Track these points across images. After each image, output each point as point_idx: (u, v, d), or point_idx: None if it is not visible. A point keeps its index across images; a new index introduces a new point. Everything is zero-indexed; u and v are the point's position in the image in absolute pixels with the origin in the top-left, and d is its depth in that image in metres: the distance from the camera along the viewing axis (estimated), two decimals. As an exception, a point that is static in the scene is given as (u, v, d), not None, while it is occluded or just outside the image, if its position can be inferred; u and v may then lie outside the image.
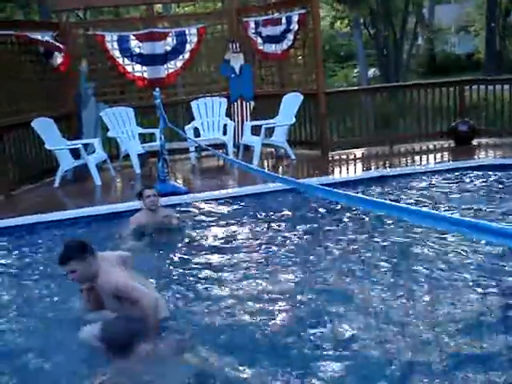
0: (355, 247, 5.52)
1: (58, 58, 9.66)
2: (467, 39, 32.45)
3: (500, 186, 7.33)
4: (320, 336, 3.85)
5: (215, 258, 5.49)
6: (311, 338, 3.83)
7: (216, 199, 7.45)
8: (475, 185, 7.49)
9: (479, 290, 4.32)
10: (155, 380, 3.44)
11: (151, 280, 4.55)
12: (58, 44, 9.64)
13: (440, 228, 2.28)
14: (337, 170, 9.13)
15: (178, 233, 6.32)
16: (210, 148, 7.25)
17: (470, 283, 4.47)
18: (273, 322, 4.10)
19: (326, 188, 2.37)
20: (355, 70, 28.42)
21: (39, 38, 9.39)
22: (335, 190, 2.29)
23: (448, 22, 32.23)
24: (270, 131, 9.76)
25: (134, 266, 4.26)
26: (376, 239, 5.66)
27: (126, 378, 3.44)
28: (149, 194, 6.16)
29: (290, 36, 10.12)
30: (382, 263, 5.02)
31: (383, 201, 2.00)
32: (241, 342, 3.87)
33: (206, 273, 5.09)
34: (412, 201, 6.87)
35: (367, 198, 2.16)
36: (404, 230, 5.68)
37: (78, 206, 7.57)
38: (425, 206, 6.59)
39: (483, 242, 4.95)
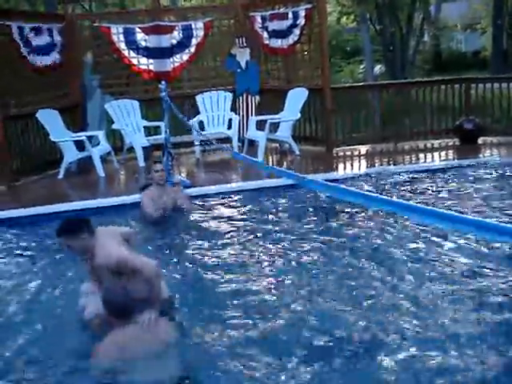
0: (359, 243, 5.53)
1: (53, 55, 9.65)
2: (474, 37, 32.34)
3: (506, 184, 7.31)
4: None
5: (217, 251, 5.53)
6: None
7: (220, 193, 7.46)
8: (480, 182, 7.47)
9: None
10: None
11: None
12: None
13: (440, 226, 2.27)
14: (341, 166, 9.11)
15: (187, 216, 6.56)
16: (214, 142, 7.26)
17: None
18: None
19: (331, 184, 2.37)
20: (361, 66, 28.34)
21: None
22: (341, 186, 2.29)
23: (454, 19, 32.13)
24: (275, 126, 9.73)
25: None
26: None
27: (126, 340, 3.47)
28: (157, 169, 6.59)
29: (297, 31, 10.08)
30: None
31: (384, 197, 2.00)
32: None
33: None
34: (415, 197, 6.88)
35: (368, 194, 2.16)
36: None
37: (81, 198, 7.58)
38: (430, 204, 6.59)
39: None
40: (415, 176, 7.92)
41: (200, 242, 5.82)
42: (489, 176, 7.63)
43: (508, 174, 7.66)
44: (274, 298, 4.44)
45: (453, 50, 31.55)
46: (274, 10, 10.55)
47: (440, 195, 7.03)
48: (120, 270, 3.80)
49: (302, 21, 9.96)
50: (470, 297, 4.21)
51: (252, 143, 10.01)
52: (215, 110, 10.40)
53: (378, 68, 26.83)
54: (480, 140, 9.83)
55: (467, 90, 10.34)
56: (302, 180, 3.37)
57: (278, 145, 10.27)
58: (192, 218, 6.71)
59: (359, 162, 9.43)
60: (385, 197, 2.06)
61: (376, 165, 8.93)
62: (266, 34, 10.53)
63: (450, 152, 9.64)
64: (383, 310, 4.12)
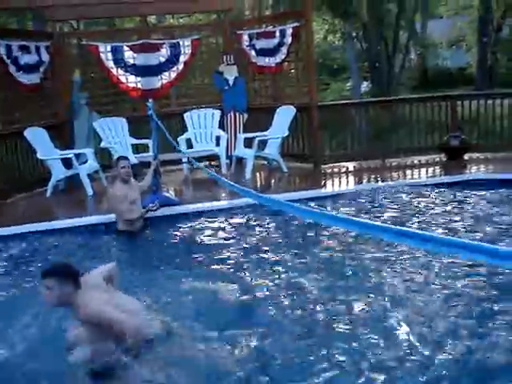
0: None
1: (41, 73, 9.68)
2: (459, 54, 32.69)
3: (493, 199, 7.36)
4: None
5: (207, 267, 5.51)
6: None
7: (208, 211, 7.46)
8: (466, 198, 7.51)
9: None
10: None
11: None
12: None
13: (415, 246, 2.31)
14: (329, 182, 9.16)
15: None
16: (193, 161, 7.32)
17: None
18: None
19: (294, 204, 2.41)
20: (348, 84, 28.55)
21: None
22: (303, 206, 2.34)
23: (440, 36, 32.49)
24: (263, 144, 9.77)
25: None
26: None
27: None
28: (124, 165, 6.69)
29: (284, 49, 10.18)
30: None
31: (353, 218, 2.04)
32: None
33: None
34: (402, 214, 6.93)
35: (337, 215, 2.19)
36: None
37: (69, 216, 7.57)
38: (416, 220, 6.64)
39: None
40: (402, 192, 7.96)
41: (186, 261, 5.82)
42: (475, 193, 7.67)
43: (492, 191, 7.70)
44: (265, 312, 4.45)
45: (439, 66, 31.85)
46: (262, 28, 10.65)
47: (427, 212, 7.06)
48: (104, 329, 3.72)
49: (289, 39, 10.06)
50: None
51: (240, 160, 10.05)
52: (203, 128, 10.43)
53: (364, 85, 27.04)
54: (466, 156, 9.91)
55: (453, 106, 10.44)
56: (266, 199, 3.39)
57: (265, 162, 10.30)
58: (178, 236, 6.73)
59: (347, 178, 9.48)
60: (347, 216, 2.10)
61: (364, 181, 8.98)
62: (253, 53, 10.61)
63: (437, 168, 9.70)
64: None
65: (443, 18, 35.05)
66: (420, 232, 1.80)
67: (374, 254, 5.53)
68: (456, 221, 6.56)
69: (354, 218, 2.21)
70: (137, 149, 10.30)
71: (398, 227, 1.86)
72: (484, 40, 26.20)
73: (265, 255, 5.85)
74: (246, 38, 10.70)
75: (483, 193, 7.57)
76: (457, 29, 32.20)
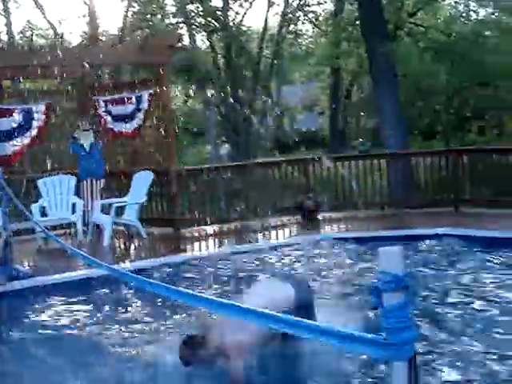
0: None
1: None
2: (313, 118, 34.43)
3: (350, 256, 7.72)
4: None
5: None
6: None
7: (63, 282, 7.17)
8: (321, 257, 7.82)
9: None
10: None
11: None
12: None
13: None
14: (189, 247, 9.18)
15: None
16: (44, 230, 7.06)
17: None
18: None
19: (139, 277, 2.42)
20: (208, 147, 29.05)
21: None
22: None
23: (295, 101, 34.11)
24: (122, 209, 9.65)
25: None
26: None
27: None
28: None
29: (141, 115, 10.24)
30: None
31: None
32: None
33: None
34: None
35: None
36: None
37: None
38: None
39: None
40: (260, 253, 8.13)
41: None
42: (325, 251, 8.01)
43: (336, 249, 8.08)
44: None
45: (295, 130, 33.32)
46: (118, 94, 10.67)
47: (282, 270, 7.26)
48: None
49: (145, 105, 10.15)
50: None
51: (98, 227, 9.83)
52: (58, 194, 10.11)
53: (224, 148, 27.67)
54: (320, 216, 10.37)
55: (306, 169, 10.95)
56: (118, 272, 3.36)
57: (124, 228, 10.14)
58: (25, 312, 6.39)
59: (206, 242, 9.55)
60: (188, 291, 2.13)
61: (222, 244, 9.10)
62: (109, 118, 10.57)
63: (293, 228, 10.04)
64: None
65: (296, 84, 37.00)
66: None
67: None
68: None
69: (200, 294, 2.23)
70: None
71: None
72: (333, 107, 27.89)
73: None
74: (101, 104, 10.66)
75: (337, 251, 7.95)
76: (310, 94, 33.97)
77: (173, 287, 2.39)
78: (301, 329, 1.57)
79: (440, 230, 8.18)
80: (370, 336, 1.38)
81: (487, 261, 7.01)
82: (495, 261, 7.00)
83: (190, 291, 2.14)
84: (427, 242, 7.94)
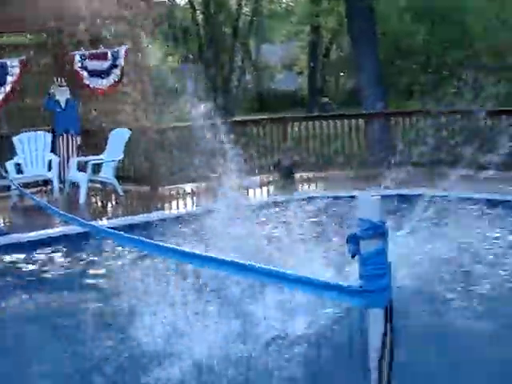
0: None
1: None
2: (292, 77, 34.20)
3: (323, 216, 7.74)
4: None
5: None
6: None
7: (39, 240, 7.13)
8: (297, 217, 7.84)
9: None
10: None
11: None
12: None
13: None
14: (167, 205, 9.15)
15: None
16: (18, 187, 6.97)
17: None
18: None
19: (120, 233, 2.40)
20: (187, 106, 28.77)
21: None
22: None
23: (274, 60, 33.83)
24: (98, 167, 9.56)
25: None
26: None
27: None
28: None
29: (117, 71, 10.07)
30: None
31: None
32: None
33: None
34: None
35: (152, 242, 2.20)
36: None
37: None
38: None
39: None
40: (238, 212, 8.12)
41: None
42: (304, 210, 8.03)
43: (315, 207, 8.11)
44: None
45: (273, 89, 33.10)
46: (94, 49, 10.46)
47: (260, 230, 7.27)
48: None
49: (121, 61, 9.98)
50: None
51: (74, 184, 9.74)
52: (34, 151, 9.98)
53: (202, 107, 27.40)
54: (297, 175, 10.39)
55: (284, 128, 10.92)
56: (95, 228, 3.34)
57: (101, 185, 10.07)
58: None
59: (184, 200, 9.53)
60: (172, 246, 2.12)
61: (202, 203, 9.08)
62: (85, 74, 10.38)
63: (271, 187, 10.05)
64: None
65: (277, 43, 36.60)
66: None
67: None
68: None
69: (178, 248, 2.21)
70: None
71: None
72: (312, 65, 27.70)
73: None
74: (77, 59, 10.45)
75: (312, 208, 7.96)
76: (290, 53, 33.70)
77: (147, 240, 2.38)
78: (278, 278, 1.58)
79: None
80: (346, 284, 1.39)
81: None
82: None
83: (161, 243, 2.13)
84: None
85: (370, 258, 1.32)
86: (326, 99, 25.08)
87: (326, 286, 1.43)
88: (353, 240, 1.33)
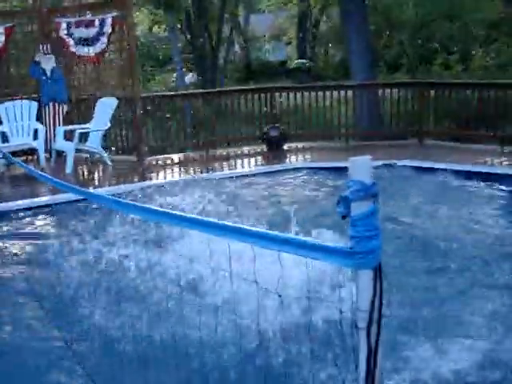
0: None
1: None
2: (281, 47, 33.97)
3: (313, 186, 7.79)
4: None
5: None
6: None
7: (27, 208, 7.11)
8: (288, 186, 7.88)
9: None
10: None
11: None
12: None
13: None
14: (154, 175, 9.12)
15: None
16: (8, 155, 6.93)
17: None
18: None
19: (116, 199, 2.39)
20: (174, 75, 28.56)
21: None
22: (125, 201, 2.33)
23: (262, 30, 33.54)
24: (85, 136, 9.49)
25: None
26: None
27: None
28: None
29: (104, 39, 9.94)
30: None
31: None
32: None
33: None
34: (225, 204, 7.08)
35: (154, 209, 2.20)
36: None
37: None
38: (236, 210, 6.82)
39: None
40: (225, 182, 8.13)
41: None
42: (292, 181, 8.07)
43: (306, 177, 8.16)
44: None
45: (261, 59, 32.88)
46: (81, 16, 10.30)
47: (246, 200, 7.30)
48: None
49: (108, 29, 9.85)
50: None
51: (60, 154, 9.67)
52: (19, 120, 9.87)
53: (190, 76, 27.20)
54: (285, 146, 10.38)
55: (272, 98, 10.87)
56: (89, 194, 3.33)
57: (87, 155, 10.00)
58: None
59: (172, 170, 9.50)
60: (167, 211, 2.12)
61: (188, 172, 9.07)
62: (72, 41, 10.24)
63: (259, 158, 10.04)
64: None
65: (265, 12, 36.23)
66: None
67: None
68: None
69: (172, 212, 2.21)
70: None
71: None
72: (301, 35, 27.52)
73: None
74: (64, 26, 10.29)
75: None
76: (278, 23, 33.41)
77: (140, 204, 2.38)
78: (265, 240, 1.59)
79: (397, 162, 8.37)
80: (334, 245, 1.41)
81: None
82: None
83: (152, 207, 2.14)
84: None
85: (360, 220, 1.33)
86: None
87: (315, 247, 1.44)
88: (344, 202, 1.34)
